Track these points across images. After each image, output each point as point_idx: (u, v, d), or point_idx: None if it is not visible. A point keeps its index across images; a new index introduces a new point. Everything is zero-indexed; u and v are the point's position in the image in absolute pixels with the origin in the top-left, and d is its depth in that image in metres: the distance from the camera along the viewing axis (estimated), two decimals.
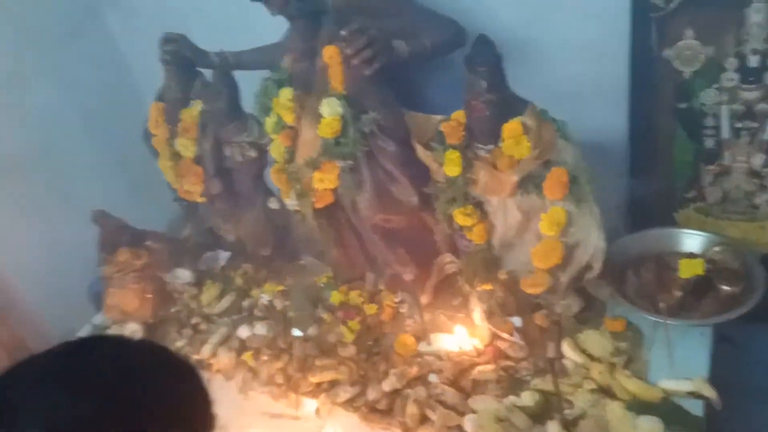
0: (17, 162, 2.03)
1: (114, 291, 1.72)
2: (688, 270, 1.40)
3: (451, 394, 1.35)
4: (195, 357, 1.61)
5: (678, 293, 1.40)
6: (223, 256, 1.90)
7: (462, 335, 1.44)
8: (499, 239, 1.41)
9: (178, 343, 1.66)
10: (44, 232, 2.08)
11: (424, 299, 1.54)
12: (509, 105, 1.31)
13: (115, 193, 2.19)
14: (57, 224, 2.11)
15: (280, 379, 1.49)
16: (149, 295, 1.70)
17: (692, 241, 1.52)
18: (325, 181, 1.53)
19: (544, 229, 1.31)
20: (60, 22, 2.16)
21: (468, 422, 1.29)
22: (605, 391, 1.27)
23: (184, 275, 1.78)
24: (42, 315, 2.09)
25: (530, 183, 1.31)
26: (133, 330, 1.71)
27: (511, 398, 1.29)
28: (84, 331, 1.82)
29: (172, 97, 1.77)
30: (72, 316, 1.97)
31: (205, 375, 1.55)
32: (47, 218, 2.09)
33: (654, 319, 1.36)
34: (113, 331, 1.74)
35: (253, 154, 1.74)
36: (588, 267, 1.36)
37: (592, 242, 1.32)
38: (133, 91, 2.33)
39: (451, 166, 1.36)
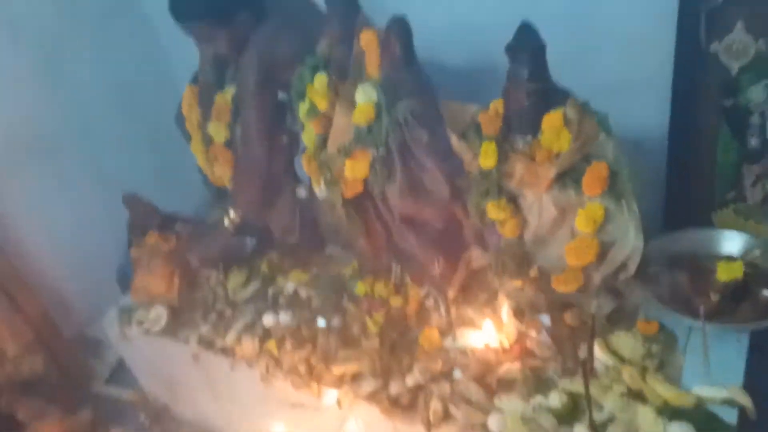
0: (53, 139, 2.07)
1: (141, 273, 1.74)
2: (727, 273, 1.34)
3: (475, 392, 1.32)
4: (219, 342, 1.62)
5: (715, 297, 1.35)
6: (250, 242, 1.89)
7: (489, 332, 1.42)
8: (531, 235, 1.38)
9: (203, 329, 1.67)
10: (76, 210, 2.12)
11: (450, 293, 1.52)
12: (550, 96, 1.28)
13: (146, 175, 2.21)
14: (89, 203, 2.15)
15: (302, 369, 1.49)
16: (176, 279, 1.71)
17: (731, 243, 1.47)
18: (356, 169, 1.51)
19: (580, 225, 1.27)
20: (99, 2, 2.18)
21: (493, 421, 1.26)
22: (636, 395, 1.23)
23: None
24: (70, 293, 2.13)
25: (568, 177, 1.27)
26: (158, 313, 1.72)
27: (538, 398, 1.25)
28: (111, 313, 1.85)
29: (206, 81, 1.77)
30: (99, 296, 2.00)
31: (228, 361, 1.60)
32: (80, 196, 2.13)
33: (689, 322, 1.31)
34: (139, 313, 1.76)
35: (284, 140, 1.74)
36: (623, 266, 1.32)
37: (629, 241, 1.28)
38: (168, 73, 2.35)
39: (486, 158, 1.33)
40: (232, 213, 1.76)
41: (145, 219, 1.78)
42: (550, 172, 1.27)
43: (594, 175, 1.25)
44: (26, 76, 2.01)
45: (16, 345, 1.95)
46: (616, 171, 1.26)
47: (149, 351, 1.79)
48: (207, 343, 1.64)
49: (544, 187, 1.30)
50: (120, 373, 2.04)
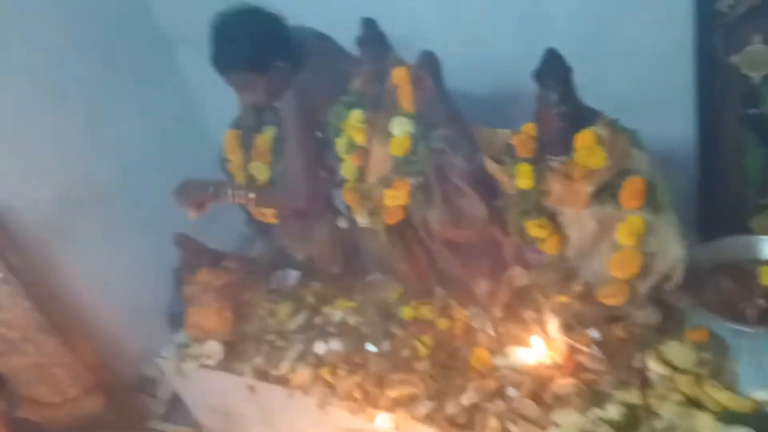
0: (101, 193, 2.18)
1: (194, 310, 1.80)
2: None
3: (531, 408, 1.34)
4: (274, 373, 1.67)
5: (761, 301, 1.37)
6: (293, 274, 1.96)
7: (539, 348, 1.44)
8: (573, 250, 1.41)
9: (256, 360, 1.72)
10: (124, 256, 2.21)
11: (496, 312, 1.55)
12: (581, 116, 1.34)
13: (186, 219, 2.31)
14: (135, 249, 2.24)
15: (357, 394, 1.52)
16: (228, 314, 1.77)
17: None
18: (396, 197, 1.58)
19: (621, 238, 1.31)
20: (136, 58, 2.32)
21: None
22: (693, 403, 1.24)
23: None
24: (123, 335, 2.20)
25: (606, 193, 1.31)
26: (212, 347, 1.78)
27: (596, 411, 1.28)
28: (167, 351, 1.91)
29: (246, 125, 1.87)
30: (150, 336, 2.07)
31: (283, 391, 1.64)
32: (126, 244, 2.23)
33: (738, 328, 1.33)
34: (194, 349, 1.82)
35: (323, 175, 1.81)
36: (667, 277, 1.34)
37: (672, 252, 1.31)
38: (203, 122, 2.48)
39: (523, 179, 1.38)
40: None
41: (195, 257, 1.85)
42: (587, 188, 1.32)
43: (631, 189, 1.29)
44: (74, 135, 2.12)
45: (76, 387, 2.03)
46: (653, 184, 1.30)
47: (205, 385, 1.84)
48: (261, 374, 1.69)
49: (582, 203, 1.34)
50: (175, 409, 2.09)
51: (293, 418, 1.67)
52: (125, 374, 2.18)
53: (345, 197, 1.73)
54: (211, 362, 1.76)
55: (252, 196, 1.78)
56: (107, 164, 2.22)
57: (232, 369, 1.74)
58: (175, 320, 1.97)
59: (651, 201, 1.30)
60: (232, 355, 1.77)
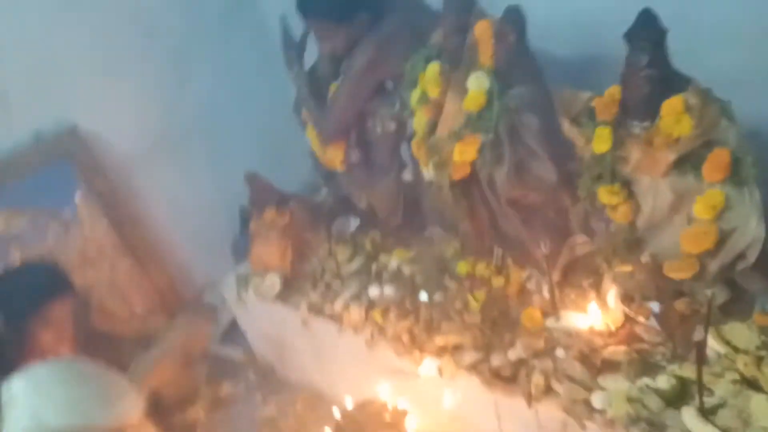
0: (181, 127, 2.30)
1: (258, 245, 1.90)
2: None
3: (578, 370, 1.34)
4: (327, 309, 1.74)
5: None
6: (354, 222, 2.01)
7: (594, 315, 1.43)
8: (644, 220, 1.38)
9: (312, 296, 1.80)
10: (196, 191, 2.34)
11: (554, 276, 1.54)
12: (670, 82, 1.29)
13: (254, 161, 2.40)
14: (207, 185, 2.36)
15: (405, 337, 1.57)
16: (289, 251, 1.85)
17: None
18: (465, 153, 1.58)
19: (698, 211, 1.26)
20: (220, 5, 2.40)
21: (596, 398, 1.28)
22: (749, 383, 1.21)
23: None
24: (189, 263, 2.35)
25: (688, 163, 1.27)
26: (273, 280, 1.87)
27: (645, 380, 1.26)
28: (228, 279, 2.02)
29: (323, 74, 1.91)
30: (214, 266, 2.20)
31: (335, 327, 1.71)
32: (200, 180, 2.35)
33: None
34: (256, 280, 1.92)
35: (392, 127, 1.84)
36: (741, 256, 1.29)
37: (750, 230, 1.25)
38: (281, 68, 2.54)
39: (600, 143, 1.35)
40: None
41: (263, 196, 1.94)
42: (669, 157, 1.27)
43: (715, 161, 1.24)
44: (158, 76, 2.24)
45: (143, 305, 2.19)
46: (739, 158, 1.24)
47: (262, 315, 1.94)
48: (316, 310, 1.76)
49: (661, 172, 1.30)
50: (232, 335, 2.23)
51: (341, 353, 1.74)
52: (189, 298, 2.32)
53: (413, 150, 1.75)
54: (270, 294, 1.86)
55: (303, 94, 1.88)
56: (189, 103, 2.34)
57: (288, 302, 1.83)
58: (240, 253, 2.08)
59: (735, 175, 1.24)
60: (290, 290, 1.86)
